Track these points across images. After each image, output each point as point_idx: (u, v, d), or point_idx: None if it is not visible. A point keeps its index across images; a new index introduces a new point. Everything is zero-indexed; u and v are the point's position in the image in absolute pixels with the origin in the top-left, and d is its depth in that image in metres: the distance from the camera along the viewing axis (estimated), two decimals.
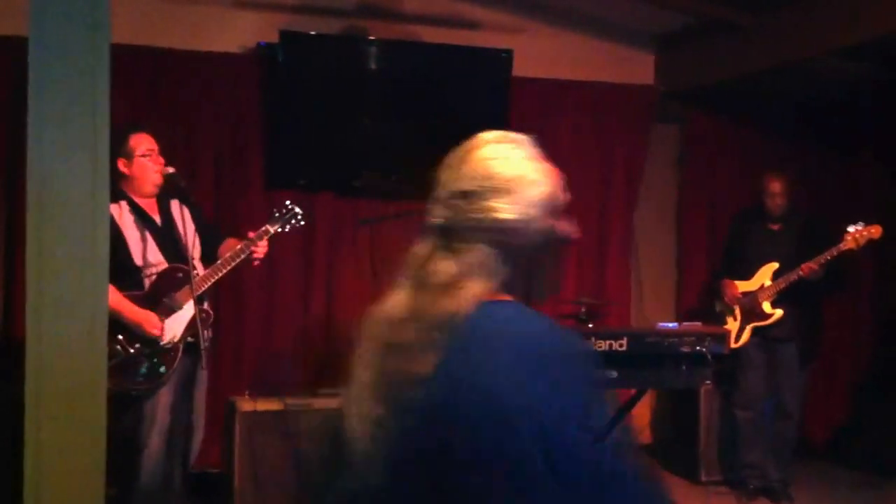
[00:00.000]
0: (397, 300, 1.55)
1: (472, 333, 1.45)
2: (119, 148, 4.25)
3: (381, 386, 1.48)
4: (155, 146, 4.35)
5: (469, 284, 1.50)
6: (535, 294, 1.61)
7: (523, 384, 1.40)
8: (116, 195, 4.25)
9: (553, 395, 1.40)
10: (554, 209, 1.59)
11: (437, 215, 1.57)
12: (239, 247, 4.40)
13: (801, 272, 5.43)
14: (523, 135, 1.65)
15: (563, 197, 1.62)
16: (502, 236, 1.53)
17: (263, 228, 4.47)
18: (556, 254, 1.62)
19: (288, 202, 4.62)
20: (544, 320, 1.53)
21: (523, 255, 1.56)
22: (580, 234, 1.67)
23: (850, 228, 5.33)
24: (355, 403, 1.51)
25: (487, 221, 1.53)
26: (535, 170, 1.58)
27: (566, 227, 1.62)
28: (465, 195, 1.55)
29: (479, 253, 1.52)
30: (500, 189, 1.54)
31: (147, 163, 4.28)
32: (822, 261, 5.36)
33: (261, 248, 4.44)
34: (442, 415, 1.42)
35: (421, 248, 1.58)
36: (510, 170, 1.56)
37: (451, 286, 1.49)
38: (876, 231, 5.29)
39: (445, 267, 1.52)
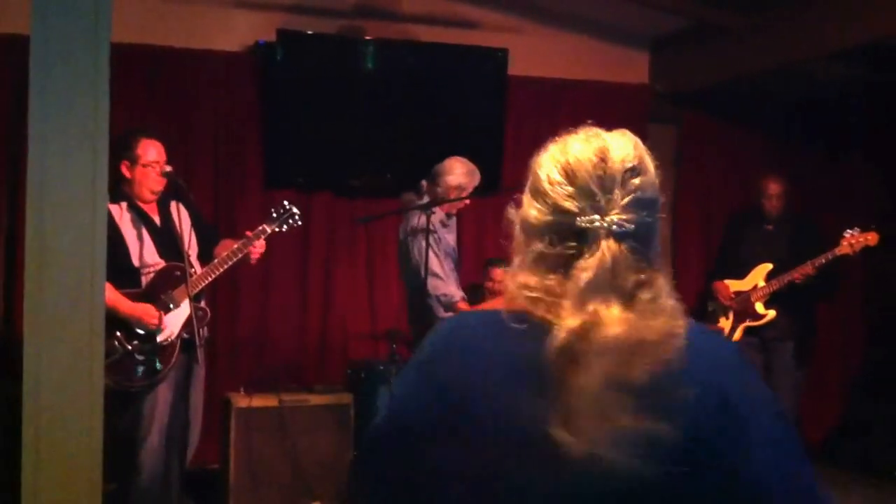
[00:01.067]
0: (611, 310, 1.38)
1: (689, 345, 1.40)
2: (125, 151, 4.28)
3: (631, 396, 1.34)
4: (163, 157, 4.36)
5: (670, 296, 1.43)
6: None
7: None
8: (118, 196, 4.27)
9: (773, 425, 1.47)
10: None
11: (632, 220, 1.41)
12: (236, 246, 4.43)
13: (795, 277, 5.45)
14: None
15: None
16: (658, 254, 1.47)
17: (260, 228, 4.49)
18: None
19: (285, 202, 4.64)
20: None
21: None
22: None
23: (847, 233, 5.33)
24: (590, 420, 1.33)
25: (658, 231, 1.47)
26: None
27: None
28: (653, 204, 1.45)
29: (662, 266, 1.46)
30: (659, 201, 1.49)
31: (150, 172, 4.30)
32: (818, 264, 5.38)
33: (258, 248, 4.47)
34: (706, 418, 1.38)
35: (618, 254, 1.40)
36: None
37: (666, 294, 1.43)
38: (872, 238, 5.29)
39: (656, 277, 1.43)
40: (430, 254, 4.82)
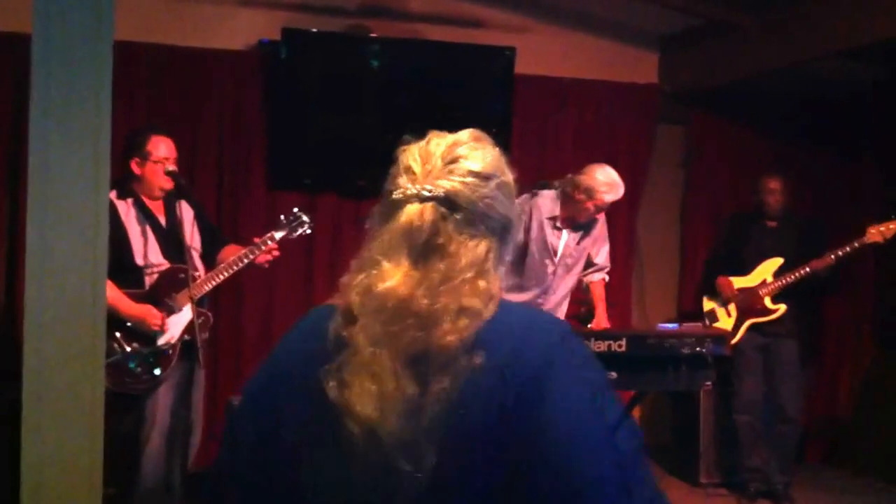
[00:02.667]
0: (397, 270, 1.39)
1: (500, 316, 1.40)
2: (136, 148, 4.27)
3: (402, 360, 1.35)
4: (173, 154, 4.34)
5: (492, 274, 1.43)
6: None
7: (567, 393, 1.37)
8: (125, 192, 4.26)
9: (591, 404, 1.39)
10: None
11: (442, 187, 1.43)
12: (242, 252, 4.40)
13: (815, 267, 5.40)
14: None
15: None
16: (504, 231, 1.48)
17: (268, 234, 4.46)
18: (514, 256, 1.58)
19: (295, 209, 4.60)
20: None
21: (508, 252, 1.51)
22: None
23: (872, 223, 5.30)
24: (365, 380, 1.35)
25: (498, 211, 1.47)
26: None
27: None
28: (485, 177, 1.46)
29: (492, 243, 1.45)
30: (508, 184, 1.50)
31: (160, 169, 4.27)
32: (842, 253, 5.34)
33: (266, 257, 4.42)
34: (501, 388, 1.35)
35: (417, 215, 1.42)
36: (509, 173, 1.52)
37: (476, 268, 1.41)
38: None
39: (472, 249, 1.42)
40: None
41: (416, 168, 1.46)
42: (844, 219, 6.29)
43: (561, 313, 5.05)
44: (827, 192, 6.76)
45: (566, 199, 4.88)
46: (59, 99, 2.20)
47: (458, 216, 1.43)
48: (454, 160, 1.46)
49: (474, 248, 1.42)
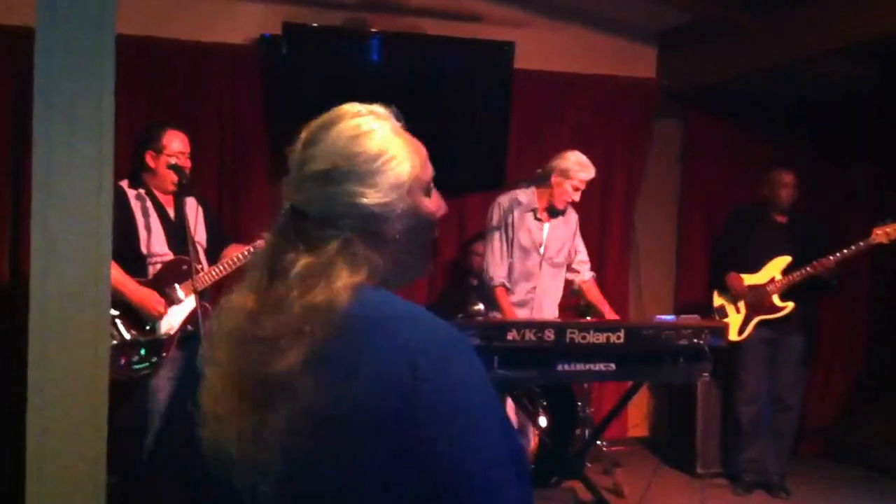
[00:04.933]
0: (249, 292, 1.36)
1: (348, 325, 1.30)
2: (151, 142, 4.34)
3: (241, 384, 1.31)
4: (187, 148, 4.41)
5: (334, 275, 1.32)
6: (402, 278, 1.45)
7: (408, 387, 1.28)
8: (137, 183, 4.33)
9: (451, 399, 1.30)
10: (421, 186, 1.44)
11: (291, 199, 1.40)
12: (245, 250, 4.43)
13: (817, 269, 5.42)
14: (385, 107, 1.51)
15: (429, 172, 1.47)
16: (366, 224, 1.37)
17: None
18: (423, 234, 1.46)
19: None
20: (421, 310, 1.39)
21: (390, 241, 1.39)
22: (446, 211, 1.51)
23: (878, 225, 5.31)
24: (211, 403, 1.33)
25: (349, 208, 1.37)
26: (400, 146, 1.42)
27: (433, 205, 1.47)
28: (325, 177, 1.37)
29: (341, 243, 1.35)
30: (361, 171, 1.38)
31: (173, 163, 4.34)
32: (847, 254, 5.35)
33: None
34: (314, 416, 1.28)
35: (274, 235, 1.39)
36: (371, 147, 1.39)
37: (313, 277, 1.32)
38: None
39: (305, 259, 1.34)
40: (495, 233, 5.00)
41: (291, 171, 1.44)
42: (839, 217, 6.32)
43: (555, 310, 5.11)
44: (822, 190, 6.77)
45: (542, 189, 5.02)
46: (62, 91, 2.22)
47: (302, 228, 1.37)
48: (301, 163, 1.41)
49: (308, 260, 1.35)
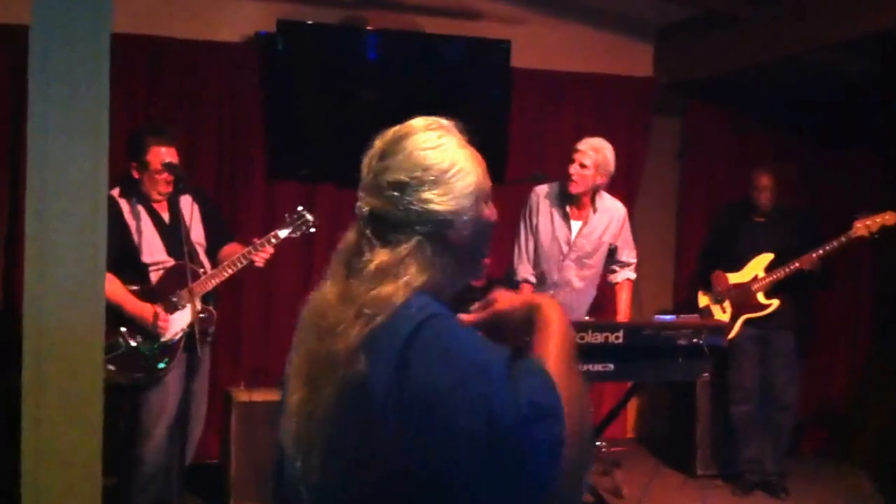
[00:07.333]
0: (330, 286, 1.54)
1: (404, 324, 1.42)
2: (135, 154, 4.29)
3: (305, 368, 1.50)
4: (174, 161, 4.33)
5: (403, 274, 1.47)
6: (460, 282, 1.60)
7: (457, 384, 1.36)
8: (128, 191, 4.29)
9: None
10: (483, 195, 1.59)
11: (368, 204, 1.54)
12: (245, 251, 4.41)
13: (802, 265, 5.41)
14: (450, 121, 1.62)
15: (489, 182, 1.61)
16: (436, 228, 1.52)
17: (272, 233, 4.46)
18: (484, 239, 1.62)
19: (300, 207, 4.58)
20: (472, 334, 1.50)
21: (456, 245, 1.54)
22: (498, 218, 1.66)
23: (858, 217, 5.29)
24: (287, 391, 1.53)
25: (423, 214, 1.51)
26: (466, 158, 1.57)
27: (491, 213, 1.62)
28: (400, 186, 1.52)
29: (414, 244, 1.50)
30: (434, 181, 1.52)
31: (158, 178, 4.29)
32: (829, 248, 5.35)
33: (262, 256, 4.43)
34: (367, 395, 1.39)
35: (352, 235, 1.57)
36: (444, 160, 1.54)
37: (384, 275, 1.47)
38: (890, 217, 5.21)
39: (380, 258, 1.50)
40: (520, 226, 5.02)
41: (363, 178, 1.58)
42: (840, 211, 6.30)
43: (582, 311, 5.05)
44: (823, 184, 6.77)
45: (563, 181, 4.96)
46: (57, 90, 2.20)
47: (379, 231, 1.53)
48: (380, 172, 1.55)
49: (384, 257, 1.50)
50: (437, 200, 1.52)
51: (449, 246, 1.53)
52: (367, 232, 1.53)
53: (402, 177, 1.52)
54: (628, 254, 5.18)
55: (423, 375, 1.37)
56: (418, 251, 1.50)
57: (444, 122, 1.61)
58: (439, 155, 1.54)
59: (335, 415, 1.43)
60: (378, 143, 1.59)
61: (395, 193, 1.52)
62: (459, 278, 1.59)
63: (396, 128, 1.60)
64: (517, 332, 1.61)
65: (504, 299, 1.65)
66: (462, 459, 1.34)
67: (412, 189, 1.51)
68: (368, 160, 1.58)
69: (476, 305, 1.67)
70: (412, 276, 1.47)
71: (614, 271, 5.20)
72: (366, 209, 1.54)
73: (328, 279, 1.56)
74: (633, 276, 5.24)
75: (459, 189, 1.54)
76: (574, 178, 4.89)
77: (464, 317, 1.63)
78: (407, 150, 1.54)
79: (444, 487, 1.36)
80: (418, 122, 1.60)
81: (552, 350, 1.50)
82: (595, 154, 4.88)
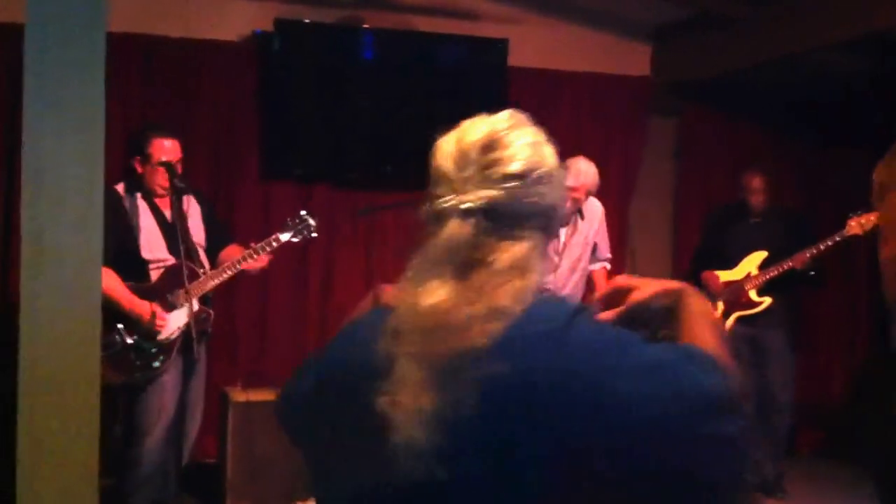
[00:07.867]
0: (437, 286, 1.40)
1: (549, 320, 1.38)
2: (138, 148, 4.30)
3: (434, 374, 1.36)
4: (177, 155, 4.37)
5: (531, 268, 1.42)
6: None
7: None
8: (133, 187, 4.31)
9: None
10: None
11: (481, 197, 1.43)
12: (245, 253, 4.41)
13: (792, 262, 5.42)
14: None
15: None
16: (546, 221, 1.49)
17: (273, 236, 4.46)
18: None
19: (303, 212, 4.58)
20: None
21: (553, 236, 1.55)
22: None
23: (852, 216, 5.29)
24: (404, 396, 1.36)
25: (538, 206, 1.47)
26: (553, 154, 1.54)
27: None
28: (520, 177, 1.45)
29: (537, 237, 1.46)
30: (547, 174, 1.49)
31: (160, 171, 4.30)
32: (823, 247, 5.35)
33: (259, 261, 4.43)
34: (507, 400, 1.32)
35: (458, 231, 1.42)
36: (550, 154, 1.52)
37: (515, 269, 1.41)
38: None
39: (509, 250, 1.42)
40: None
41: (452, 174, 1.46)
42: (838, 212, 6.29)
43: None
44: (821, 184, 6.77)
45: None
46: (52, 89, 2.19)
47: (499, 224, 1.43)
48: (490, 164, 1.46)
49: (515, 251, 1.43)
50: (550, 194, 1.49)
51: (550, 239, 1.53)
52: (486, 226, 1.42)
53: (521, 168, 1.46)
54: (606, 248, 5.42)
55: (608, 377, 1.32)
56: (540, 244, 1.46)
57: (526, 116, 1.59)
58: (546, 149, 1.52)
59: (481, 414, 1.33)
60: (472, 136, 1.50)
61: (516, 184, 1.44)
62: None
63: (485, 120, 1.54)
64: (656, 323, 1.54)
65: (639, 288, 1.55)
66: (694, 454, 1.32)
67: (531, 181, 1.46)
68: (461, 155, 1.47)
69: (598, 297, 1.60)
70: (538, 269, 1.44)
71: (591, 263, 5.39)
72: (480, 203, 1.42)
73: (433, 280, 1.41)
74: (608, 265, 5.49)
75: (560, 183, 1.53)
76: (569, 210, 5.07)
77: (603, 315, 1.54)
78: (517, 145, 1.49)
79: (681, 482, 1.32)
80: (512, 114, 1.57)
81: (709, 341, 1.46)
82: (584, 178, 5.07)
